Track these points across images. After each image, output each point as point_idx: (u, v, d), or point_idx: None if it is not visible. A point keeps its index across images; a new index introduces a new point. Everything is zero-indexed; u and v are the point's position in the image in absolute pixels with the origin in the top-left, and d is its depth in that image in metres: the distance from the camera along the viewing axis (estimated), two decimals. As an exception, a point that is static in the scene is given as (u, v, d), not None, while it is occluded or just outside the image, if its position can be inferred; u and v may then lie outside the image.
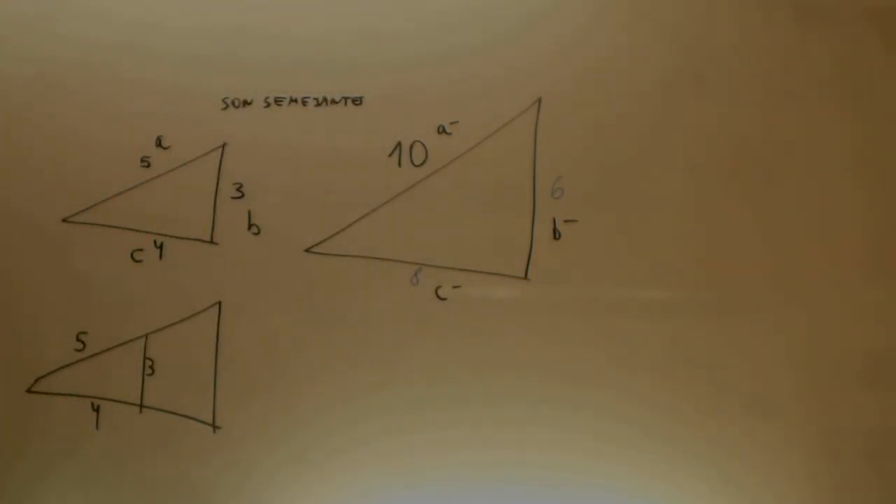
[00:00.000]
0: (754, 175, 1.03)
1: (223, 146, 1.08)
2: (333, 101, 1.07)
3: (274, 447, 1.04)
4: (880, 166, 1.03)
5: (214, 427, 1.04)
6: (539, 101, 1.05)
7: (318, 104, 1.07)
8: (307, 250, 1.06)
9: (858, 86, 1.04)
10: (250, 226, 1.07)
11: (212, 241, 1.07)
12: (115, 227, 1.07)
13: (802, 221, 1.03)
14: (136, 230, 1.07)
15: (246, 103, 1.08)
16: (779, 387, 1.01)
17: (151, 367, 1.05)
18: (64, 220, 1.08)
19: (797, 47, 1.04)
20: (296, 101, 1.08)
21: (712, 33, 1.05)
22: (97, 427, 1.05)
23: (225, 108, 1.08)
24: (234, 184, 1.07)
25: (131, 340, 1.06)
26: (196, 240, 1.07)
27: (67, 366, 1.06)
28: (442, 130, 1.06)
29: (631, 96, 1.05)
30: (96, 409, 1.05)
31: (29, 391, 1.06)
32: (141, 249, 1.07)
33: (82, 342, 1.06)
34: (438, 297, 1.04)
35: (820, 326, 1.01)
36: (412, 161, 1.06)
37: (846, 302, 1.01)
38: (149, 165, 1.08)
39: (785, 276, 1.02)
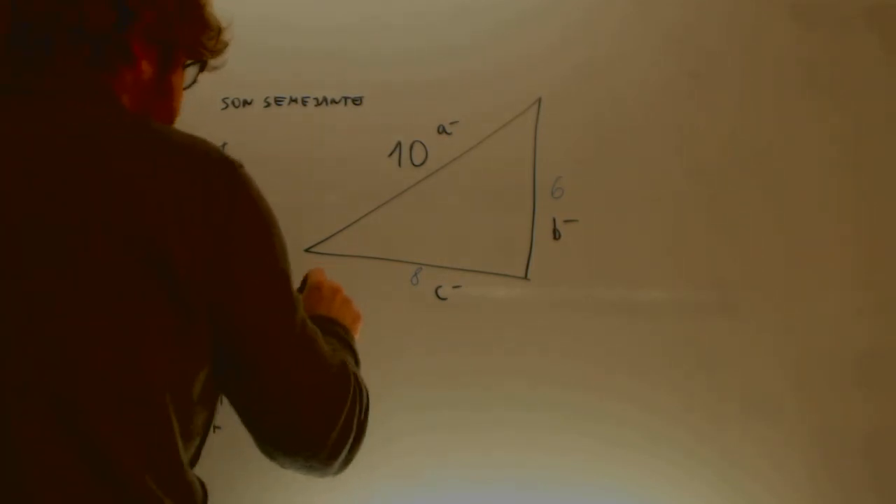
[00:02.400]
0: (753, 175, 1.03)
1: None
2: (333, 101, 1.07)
3: (274, 447, 1.03)
4: (878, 167, 1.03)
5: (214, 427, 1.04)
6: (539, 100, 1.05)
7: (318, 104, 1.07)
8: (307, 250, 1.06)
9: (857, 85, 1.04)
10: (250, 226, 1.06)
11: (212, 241, 1.06)
12: (114, 227, 1.07)
13: (800, 222, 1.03)
14: (136, 230, 1.07)
15: (246, 103, 1.08)
16: (778, 388, 1.01)
17: (151, 367, 1.05)
18: (63, 220, 1.08)
19: (796, 47, 1.04)
20: (296, 101, 1.07)
21: (711, 33, 1.05)
22: (97, 427, 1.05)
23: (225, 108, 1.08)
24: (234, 184, 1.07)
25: (131, 340, 1.05)
26: (196, 240, 1.06)
27: (67, 366, 1.06)
28: (442, 130, 1.06)
29: (631, 96, 1.05)
30: (96, 410, 1.05)
31: (29, 391, 1.06)
32: (141, 249, 1.06)
33: (82, 342, 1.06)
34: (438, 297, 1.04)
35: (818, 328, 1.01)
36: (412, 161, 1.06)
37: (843, 304, 1.02)
38: (148, 165, 1.07)
39: (784, 277, 1.02)
